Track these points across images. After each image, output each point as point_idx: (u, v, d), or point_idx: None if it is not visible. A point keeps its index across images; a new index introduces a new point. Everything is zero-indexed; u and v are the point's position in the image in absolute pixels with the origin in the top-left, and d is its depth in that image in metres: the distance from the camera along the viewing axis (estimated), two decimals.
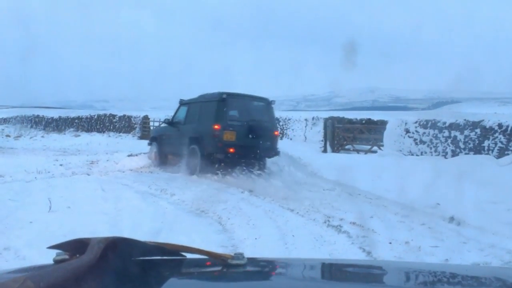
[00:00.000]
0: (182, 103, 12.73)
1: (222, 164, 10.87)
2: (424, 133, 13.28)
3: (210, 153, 10.85)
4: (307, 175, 11.44)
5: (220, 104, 10.92)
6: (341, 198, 8.51)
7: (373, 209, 7.61)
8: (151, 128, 29.54)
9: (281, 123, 22.25)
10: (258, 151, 10.99)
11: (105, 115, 30.73)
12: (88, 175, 11.11)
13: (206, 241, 5.46)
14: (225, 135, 10.73)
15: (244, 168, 10.89)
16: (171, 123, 12.91)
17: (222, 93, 11.00)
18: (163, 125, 14.09)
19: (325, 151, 16.68)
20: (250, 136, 10.89)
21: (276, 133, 11.85)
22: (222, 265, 1.20)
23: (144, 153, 14.08)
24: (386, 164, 11.15)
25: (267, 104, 11.75)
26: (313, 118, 21.14)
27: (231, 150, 10.73)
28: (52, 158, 14.56)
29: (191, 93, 12.31)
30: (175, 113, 13.01)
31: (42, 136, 28.21)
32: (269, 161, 12.10)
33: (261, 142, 10.92)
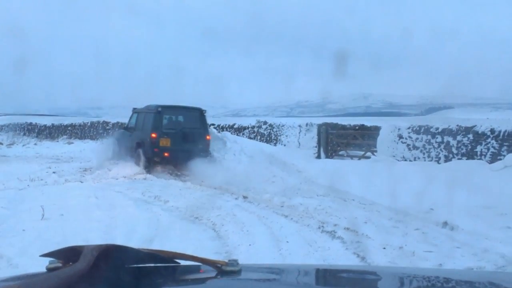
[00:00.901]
0: (134, 111, 14.65)
1: (161, 163, 13.13)
2: (417, 138, 13.33)
3: (150, 156, 12.97)
4: (300, 181, 11.44)
5: (156, 115, 13.08)
6: (335, 204, 8.51)
7: (367, 215, 7.62)
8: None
9: (274, 130, 22.25)
10: (190, 153, 12.86)
11: (98, 122, 30.57)
12: (81, 182, 11.06)
13: (200, 248, 5.45)
14: (161, 141, 12.87)
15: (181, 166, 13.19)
16: (126, 128, 14.97)
17: (158, 106, 13.19)
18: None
19: (318, 157, 16.68)
20: (184, 141, 13.00)
21: (208, 137, 13.74)
22: (216, 272, 1.19)
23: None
24: (380, 169, 11.18)
25: (200, 113, 13.69)
26: (306, 124, 21.13)
27: (166, 154, 12.92)
28: (45, 165, 14.48)
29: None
30: (129, 119, 14.96)
31: (35, 144, 28.04)
32: (262, 167, 12.18)
33: (193, 145, 13.01)
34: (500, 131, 11.33)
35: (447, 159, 12.30)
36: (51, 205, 7.52)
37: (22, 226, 6.21)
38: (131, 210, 7.67)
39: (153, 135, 12.87)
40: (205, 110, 13.79)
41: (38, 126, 33.74)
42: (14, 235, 5.84)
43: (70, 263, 1.07)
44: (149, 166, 12.90)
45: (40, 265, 1.17)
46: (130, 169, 12.72)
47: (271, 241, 5.89)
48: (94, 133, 30.34)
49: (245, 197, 9.16)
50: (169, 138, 12.96)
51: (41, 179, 11.11)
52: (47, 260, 1.15)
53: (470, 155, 11.82)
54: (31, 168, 13.49)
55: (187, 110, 13.95)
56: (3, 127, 37.02)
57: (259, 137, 22.28)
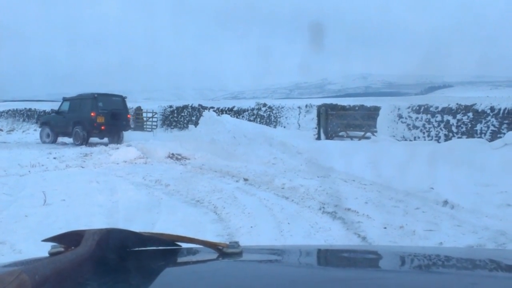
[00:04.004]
0: (65, 99, 19.43)
1: (101, 136, 18.32)
2: (417, 118, 13.32)
3: (89, 130, 17.90)
4: (301, 162, 11.46)
5: (93, 100, 17.97)
6: (335, 185, 8.54)
7: (368, 195, 7.65)
8: (145, 119, 29.52)
9: (274, 112, 22.25)
10: (118, 127, 18.38)
11: None
12: (82, 167, 11.08)
13: (202, 231, 5.48)
14: (98, 118, 17.66)
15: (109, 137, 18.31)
16: (57, 112, 19.44)
17: (94, 93, 18.28)
18: (52, 114, 20.65)
19: (318, 138, 16.69)
20: (112, 118, 17.93)
21: (128, 116, 19.66)
22: (217, 254, 1.20)
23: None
24: (380, 150, 11.18)
25: (122, 98, 19.05)
26: (306, 106, 21.13)
27: (102, 127, 17.78)
28: (45, 151, 14.49)
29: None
30: (60, 106, 19.59)
31: (35, 130, 28.01)
32: (262, 149, 12.22)
33: (119, 122, 18.34)
34: (500, 109, 11.32)
35: (447, 138, 12.30)
36: (52, 190, 7.54)
37: (24, 212, 6.23)
38: (132, 194, 7.69)
39: (93, 114, 17.60)
40: (126, 96, 19.29)
41: (38, 112, 33.68)
42: (17, 221, 5.86)
43: (72, 248, 1.07)
44: (87, 138, 17.93)
45: (43, 250, 1.18)
46: (130, 154, 12.75)
47: (273, 223, 5.92)
48: None
49: (245, 180, 9.19)
50: (103, 117, 17.73)
51: (42, 165, 11.12)
52: (49, 245, 1.15)
53: (470, 133, 11.82)
54: (32, 154, 13.50)
55: (113, 96, 19.11)
56: (3, 114, 36.99)
57: (258, 120, 22.29)
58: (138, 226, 5.08)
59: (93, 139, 18.74)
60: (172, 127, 27.23)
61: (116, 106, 18.49)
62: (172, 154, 13.32)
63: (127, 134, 19.21)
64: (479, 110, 11.73)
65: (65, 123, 18.47)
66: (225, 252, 1.19)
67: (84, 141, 17.77)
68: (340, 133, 17.46)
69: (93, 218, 5.76)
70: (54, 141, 19.21)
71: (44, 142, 19.11)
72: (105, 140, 18.74)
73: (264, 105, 22.98)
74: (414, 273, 1.22)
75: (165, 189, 8.38)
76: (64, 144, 18.62)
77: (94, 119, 17.57)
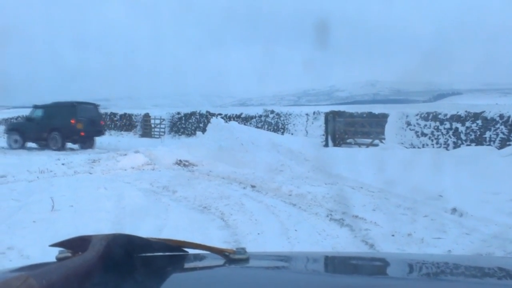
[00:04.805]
0: (37, 107, 20.25)
1: (76, 141, 19.53)
2: (426, 125, 13.26)
3: (69, 136, 19.09)
4: (308, 169, 11.44)
5: (72, 108, 19.16)
6: (343, 192, 8.51)
7: (376, 202, 7.62)
8: (153, 126, 29.62)
9: (282, 119, 22.24)
10: (93, 133, 19.78)
11: (105, 113, 30.67)
12: (90, 173, 11.12)
13: (209, 237, 5.48)
14: (77, 125, 18.88)
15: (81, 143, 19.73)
16: (30, 119, 20.16)
17: (74, 102, 19.57)
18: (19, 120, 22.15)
19: (326, 145, 16.66)
20: (89, 125, 19.21)
21: (102, 122, 21.31)
22: (224, 260, 1.20)
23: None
24: (388, 157, 11.14)
25: (95, 106, 20.47)
26: (314, 113, 21.10)
27: (82, 133, 19.09)
28: (54, 157, 14.56)
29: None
30: (33, 112, 20.24)
31: None
32: (269, 156, 12.23)
33: (95, 128, 19.73)
34: (509, 117, 11.25)
35: (455, 146, 12.24)
36: (60, 196, 7.57)
37: (32, 218, 6.26)
38: (140, 200, 7.70)
39: (73, 121, 18.77)
40: (99, 105, 21.00)
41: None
42: (25, 226, 5.89)
43: (79, 253, 1.08)
44: (65, 144, 19.07)
45: (51, 256, 1.18)
46: (138, 160, 12.78)
47: (280, 230, 5.90)
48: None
49: (253, 186, 9.18)
50: (82, 123, 18.94)
51: (50, 171, 11.17)
52: (57, 250, 1.15)
53: (479, 141, 11.75)
54: (40, 160, 13.57)
55: (88, 104, 20.36)
56: (12, 120, 37.22)
57: (266, 126, 22.28)
58: (145, 232, 5.08)
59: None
60: (180, 133, 27.29)
61: (91, 114, 19.78)
62: (180, 160, 13.34)
63: (135, 141, 19.28)
64: (488, 118, 11.66)
65: (39, 130, 19.24)
66: (232, 258, 1.19)
67: (62, 147, 18.85)
68: (348, 140, 17.41)
69: (100, 224, 5.77)
70: (21, 147, 19.65)
71: (11, 148, 19.53)
72: (76, 146, 20.08)
73: (272, 112, 22.99)
74: (422, 281, 1.21)
75: (173, 196, 8.39)
76: (71, 150, 18.76)
77: (74, 125, 18.81)
